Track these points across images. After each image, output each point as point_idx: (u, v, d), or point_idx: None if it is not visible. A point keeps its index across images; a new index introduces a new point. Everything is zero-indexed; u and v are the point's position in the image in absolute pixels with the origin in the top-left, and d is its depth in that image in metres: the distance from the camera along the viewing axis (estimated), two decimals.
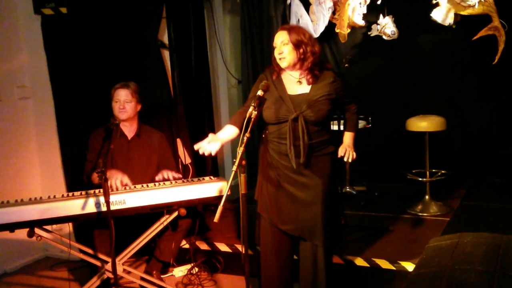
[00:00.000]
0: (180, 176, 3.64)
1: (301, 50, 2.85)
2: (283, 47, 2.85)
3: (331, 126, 3.53)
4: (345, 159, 2.99)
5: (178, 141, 4.36)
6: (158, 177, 3.58)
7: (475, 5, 4.14)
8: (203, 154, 2.82)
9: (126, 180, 3.40)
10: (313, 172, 2.92)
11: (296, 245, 3.08)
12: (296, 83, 2.93)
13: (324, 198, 2.91)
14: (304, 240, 3.00)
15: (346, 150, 3.00)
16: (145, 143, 3.72)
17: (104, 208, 3.12)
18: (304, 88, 2.91)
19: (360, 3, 4.54)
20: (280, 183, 2.97)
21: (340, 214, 3.11)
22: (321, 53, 2.94)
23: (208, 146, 2.80)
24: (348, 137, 3.13)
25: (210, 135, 2.86)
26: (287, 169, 2.92)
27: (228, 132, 2.96)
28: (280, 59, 2.88)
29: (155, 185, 3.45)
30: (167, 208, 3.39)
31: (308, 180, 2.92)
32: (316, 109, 2.84)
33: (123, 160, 3.63)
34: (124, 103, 3.57)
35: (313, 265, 3.00)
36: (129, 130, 3.69)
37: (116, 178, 3.36)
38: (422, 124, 4.25)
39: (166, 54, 4.44)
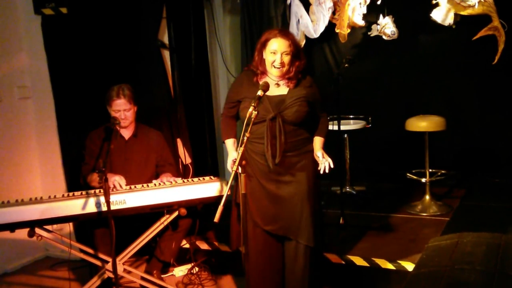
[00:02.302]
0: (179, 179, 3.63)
1: (297, 63, 2.91)
2: (285, 57, 2.87)
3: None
4: (322, 172, 2.96)
5: (178, 141, 4.37)
6: (157, 182, 3.57)
7: (475, 5, 4.15)
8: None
9: (123, 181, 3.40)
10: (294, 170, 2.95)
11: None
12: (273, 85, 2.95)
13: (308, 196, 2.93)
14: (289, 240, 3.01)
15: (323, 163, 2.94)
16: (142, 143, 3.72)
17: (104, 208, 3.13)
18: (282, 90, 2.96)
19: (360, 3, 4.54)
20: (261, 184, 2.98)
21: (320, 213, 3.12)
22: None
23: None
24: (318, 143, 3.05)
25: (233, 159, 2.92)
26: (267, 168, 2.94)
27: (233, 144, 3.11)
28: (279, 68, 2.88)
29: (155, 185, 3.46)
30: (168, 208, 3.39)
31: (290, 178, 2.95)
32: (293, 110, 2.89)
33: (121, 161, 3.63)
34: (124, 112, 3.57)
35: (295, 264, 3.00)
36: (126, 130, 3.69)
37: (114, 180, 3.37)
38: (422, 124, 4.26)
39: (166, 54, 4.44)
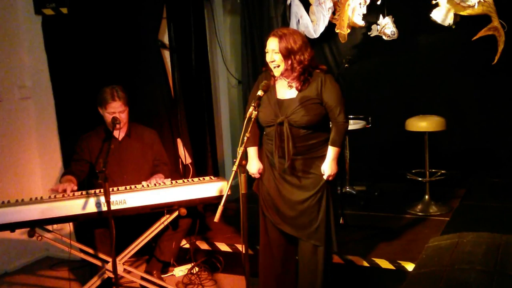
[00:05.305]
0: (169, 177, 3.61)
1: (289, 62, 2.83)
2: (274, 55, 2.83)
3: None
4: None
5: (179, 141, 4.37)
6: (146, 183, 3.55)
7: (474, 5, 4.15)
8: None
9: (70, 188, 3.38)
10: (309, 174, 2.93)
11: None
12: (287, 87, 2.93)
13: (321, 199, 2.93)
14: (303, 240, 3.01)
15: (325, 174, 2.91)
16: (136, 142, 3.72)
17: (104, 208, 3.13)
18: (293, 92, 2.91)
19: (360, 4, 4.54)
20: (277, 185, 2.99)
21: (337, 216, 3.09)
22: (313, 57, 2.89)
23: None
24: (329, 153, 2.91)
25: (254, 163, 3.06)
26: (284, 171, 2.94)
27: (255, 153, 3.08)
28: (274, 67, 2.86)
29: (155, 185, 3.46)
30: (168, 208, 3.39)
31: (302, 182, 2.94)
32: (300, 114, 2.84)
33: (116, 162, 3.63)
34: (119, 114, 3.56)
35: (310, 265, 3.01)
36: (119, 131, 3.67)
37: (62, 186, 3.35)
38: (422, 124, 4.26)
39: (166, 54, 4.44)
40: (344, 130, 2.91)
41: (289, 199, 2.96)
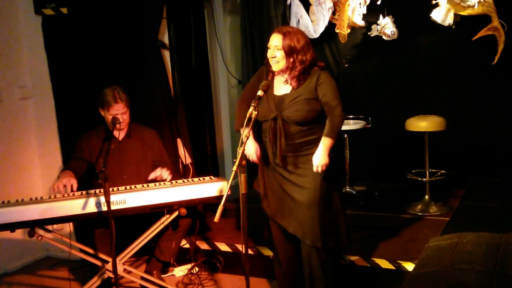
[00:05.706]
0: (171, 175, 3.61)
1: (291, 59, 2.84)
2: (276, 51, 2.85)
3: None
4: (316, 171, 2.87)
5: (179, 141, 4.37)
6: (151, 176, 3.56)
7: (474, 5, 4.15)
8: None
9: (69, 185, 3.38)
10: (304, 172, 2.92)
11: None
12: (283, 83, 2.94)
13: (317, 198, 2.90)
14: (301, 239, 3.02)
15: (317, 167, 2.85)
16: (137, 143, 3.72)
17: (104, 208, 3.13)
18: (288, 88, 2.92)
19: (360, 4, 4.54)
20: (276, 180, 3.00)
21: (341, 215, 3.06)
22: (314, 58, 2.90)
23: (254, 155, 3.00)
24: (322, 143, 2.84)
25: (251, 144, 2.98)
26: (279, 167, 2.95)
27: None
28: (274, 63, 2.88)
29: (155, 185, 3.46)
30: (168, 208, 3.39)
31: (300, 179, 2.93)
32: (293, 110, 2.84)
33: (116, 162, 3.63)
34: (122, 115, 3.56)
35: (308, 265, 3.01)
36: (119, 131, 3.67)
37: (61, 182, 3.35)
38: (421, 124, 4.26)
39: (166, 54, 4.44)
40: (340, 123, 2.87)
41: (286, 197, 2.96)
